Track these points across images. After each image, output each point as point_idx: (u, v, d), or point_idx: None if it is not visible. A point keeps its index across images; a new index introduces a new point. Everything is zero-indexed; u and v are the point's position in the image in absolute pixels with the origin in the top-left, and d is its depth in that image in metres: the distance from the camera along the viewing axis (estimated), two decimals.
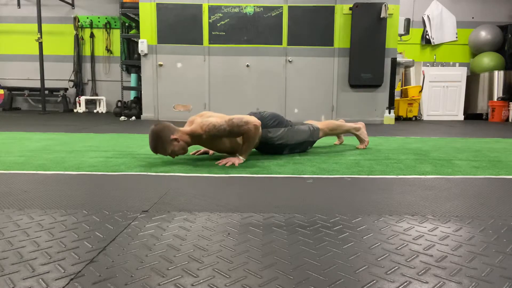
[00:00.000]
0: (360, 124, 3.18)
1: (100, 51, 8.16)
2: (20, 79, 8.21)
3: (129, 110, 6.39)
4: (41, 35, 6.72)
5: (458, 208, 1.54)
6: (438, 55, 7.88)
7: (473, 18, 7.84)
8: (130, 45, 7.67)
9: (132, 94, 7.41)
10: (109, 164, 2.37)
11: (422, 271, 0.98)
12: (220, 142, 2.48)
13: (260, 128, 2.47)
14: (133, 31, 7.23)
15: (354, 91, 6.06)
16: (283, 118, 2.78)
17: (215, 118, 2.41)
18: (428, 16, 7.79)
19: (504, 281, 0.93)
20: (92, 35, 8.08)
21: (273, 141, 2.69)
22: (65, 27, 8.09)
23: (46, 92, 7.67)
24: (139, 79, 7.20)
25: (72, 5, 7.99)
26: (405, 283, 0.91)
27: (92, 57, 8.14)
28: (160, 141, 2.32)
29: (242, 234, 1.23)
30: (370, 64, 5.84)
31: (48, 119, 5.80)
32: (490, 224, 1.35)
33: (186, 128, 2.45)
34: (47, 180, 1.94)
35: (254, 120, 2.41)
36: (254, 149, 2.81)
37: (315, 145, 3.32)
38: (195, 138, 2.42)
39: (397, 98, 6.70)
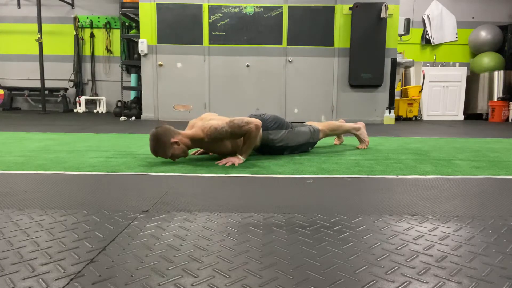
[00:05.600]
0: (360, 124, 3.18)
1: (100, 51, 8.16)
2: (20, 79, 8.21)
3: (129, 110, 6.39)
4: (41, 35, 6.72)
5: (458, 208, 1.54)
6: (438, 55, 7.88)
7: (473, 18, 7.84)
8: (130, 45, 7.67)
9: (132, 94, 7.41)
10: (109, 164, 2.37)
11: (422, 271, 0.98)
12: (221, 145, 2.48)
13: (261, 128, 2.48)
14: (133, 31, 7.23)
15: (354, 91, 6.05)
16: (284, 120, 2.78)
17: (216, 120, 2.41)
18: (428, 16, 7.79)
19: (504, 281, 0.93)
20: (92, 35, 8.07)
21: (274, 143, 2.69)
22: (65, 27, 8.09)
23: (46, 92, 7.66)
24: (139, 79, 7.20)
25: (72, 5, 7.99)
26: (405, 283, 0.91)
27: (92, 57, 8.14)
28: (161, 145, 2.32)
29: (242, 234, 1.23)
30: (370, 64, 5.84)
31: (48, 119, 5.80)
32: (490, 224, 1.35)
33: (187, 131, 2.45)
34: (47, 180, 1.94)
35: (255, 120, 2.42)
36: (254, 151, 2.82)
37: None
38: (196, 141, 2.43)
39: (397, 98, 6.70)
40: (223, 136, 2.37)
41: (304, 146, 2.88)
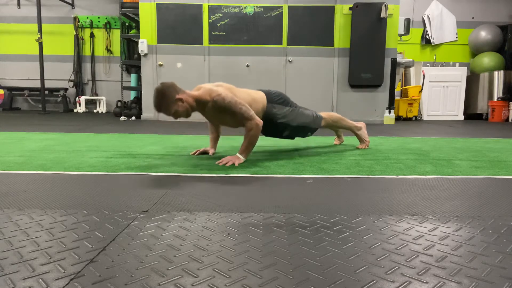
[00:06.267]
0: (361, 124, 3.18)
1: (100, 51, 8.16)
2: (20, 79, 8.21)
3: (129, 110, 6.39)
4: (41, 35, 6.72)
5: (458, 208, 1.54)
6: (438, 55, 7.88)
7: (473, 18, 7.84)
8: (130, 45, 7.67)
9: (132, 94, 7.41)
10: (109, 164, 2.37)
11: (422, 271, 0.98)
12: (221, 116, 2.46)
13: (261, 127, 2.47)
14: (133, 31, 7.23)
15: (354, 91, 6.06)
16: (289, 99, 2.79)
17: (224, 89, 2.40)
18: (428, 16, 7.79)
19: (504, 281, 0.93)
20: (92, 35, 8.07)
21: (276, 118, 2.68)
22: (65, 27, 8.09)
23: (46, 92, 7.66)
24: (139, 79, 7.20)
25: (72, 5, 7.99)
26: (405, 283, 0.91)
27: (92, 57, 8.14)
28: (165, 99, 2.28)
29: (242, 234, 1.23)
30: (370, 64, 5.84)
31: (48, 119, 5.80)
32: (490, 224, 1.35)
33: (194, 92, 2.42)
34: (47, 180, 1.94)
35: (259, 120, 2.43)
36: None
37: (315, 145, 3.32)
38: (200, 104, 2.39)
39: (397, 98, 6.70)
40: (225, 109, 2.36)
41: (304, 130, 2.84)
